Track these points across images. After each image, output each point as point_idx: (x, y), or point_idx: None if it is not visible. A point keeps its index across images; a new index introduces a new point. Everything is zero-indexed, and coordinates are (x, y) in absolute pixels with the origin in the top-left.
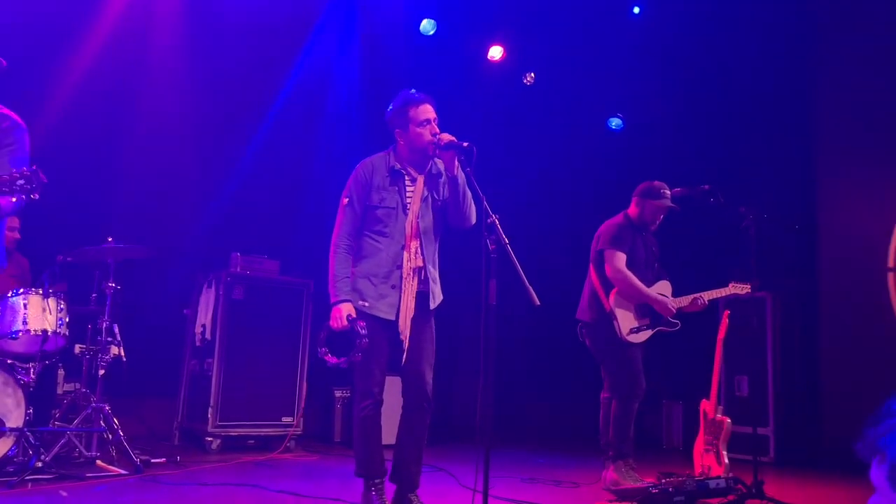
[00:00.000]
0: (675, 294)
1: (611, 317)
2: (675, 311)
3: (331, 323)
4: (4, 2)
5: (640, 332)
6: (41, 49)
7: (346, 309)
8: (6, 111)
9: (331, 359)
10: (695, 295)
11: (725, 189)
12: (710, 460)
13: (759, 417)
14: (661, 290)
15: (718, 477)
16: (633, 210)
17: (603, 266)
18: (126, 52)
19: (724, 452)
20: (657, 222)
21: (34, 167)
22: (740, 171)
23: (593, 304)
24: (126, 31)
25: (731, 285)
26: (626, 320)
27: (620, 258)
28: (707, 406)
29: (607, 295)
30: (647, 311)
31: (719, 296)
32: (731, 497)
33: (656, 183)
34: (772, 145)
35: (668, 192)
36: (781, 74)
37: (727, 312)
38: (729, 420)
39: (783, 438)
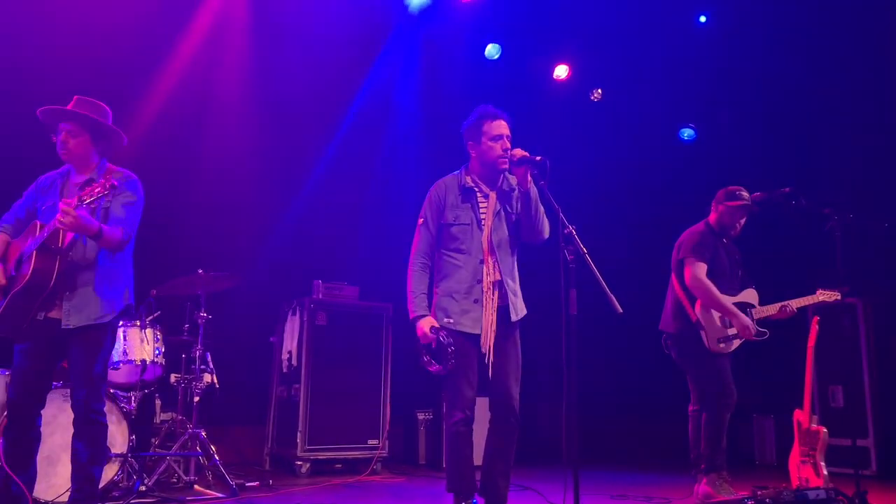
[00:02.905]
0: (762, 301)
1: (697, 327)
2: (754, 332)
3: (419, 337)
4: (81, 42)
5: (729, 342)
6: (114, 86)
7: (427, 322)
8: (118, 168)
9: (433, 367)
10: (782, 303)
11: (809, 192)
12: (808, 472)
13: (858, 429)
14: (748, 298)
15: (818, 487)
16: (712, 217)
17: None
18: (197, 85)
19: (822, 464)
20: (738, 227)
21: None
22: (823, 172)
23: (678, 314)
24: (195, 67)
25: (818, 292)
26: (713, 330)
27: (701, 268)
28: (801, 416)
29: (692, 305)
30: None
31: (807, 303)
32: None
33: (732, 186)
34: (855, 145)
35: (745, 193)
36: (861, 65)
37: (816, 319)
38: (825, 430)
39: (885, 450)
